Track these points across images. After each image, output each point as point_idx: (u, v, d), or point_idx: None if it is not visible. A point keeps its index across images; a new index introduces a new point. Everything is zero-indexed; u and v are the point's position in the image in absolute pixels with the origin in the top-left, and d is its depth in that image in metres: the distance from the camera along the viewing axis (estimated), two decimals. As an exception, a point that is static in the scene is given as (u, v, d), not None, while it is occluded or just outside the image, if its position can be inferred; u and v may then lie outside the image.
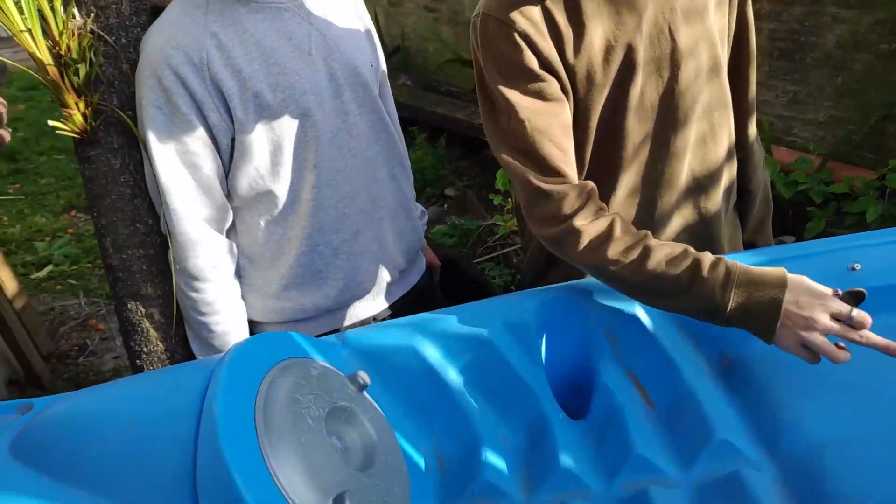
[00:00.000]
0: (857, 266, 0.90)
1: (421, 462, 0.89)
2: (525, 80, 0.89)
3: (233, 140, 1.05)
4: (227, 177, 1.09)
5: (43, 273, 3.29)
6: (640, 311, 0.90)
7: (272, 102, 1.04)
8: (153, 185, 1.05)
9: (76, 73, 0.91)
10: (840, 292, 0.80)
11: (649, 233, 0.89)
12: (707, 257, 0.84)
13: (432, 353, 0.90)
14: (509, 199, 2.82)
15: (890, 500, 0.67)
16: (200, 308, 1.10)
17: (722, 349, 0.93)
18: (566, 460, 0.84)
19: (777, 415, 0.83)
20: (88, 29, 0.92)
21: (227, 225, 1.12)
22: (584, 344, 0.93)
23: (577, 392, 0.93)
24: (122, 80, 1.01)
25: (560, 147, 0.90)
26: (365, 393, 0.86)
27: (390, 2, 5.66)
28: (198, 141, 1.03)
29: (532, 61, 0.88)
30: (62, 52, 0.89)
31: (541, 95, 0.89)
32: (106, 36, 0.97)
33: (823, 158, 2.45)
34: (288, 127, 1.06)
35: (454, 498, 0.85)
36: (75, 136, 0.97)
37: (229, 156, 1.07)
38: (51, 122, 0.94)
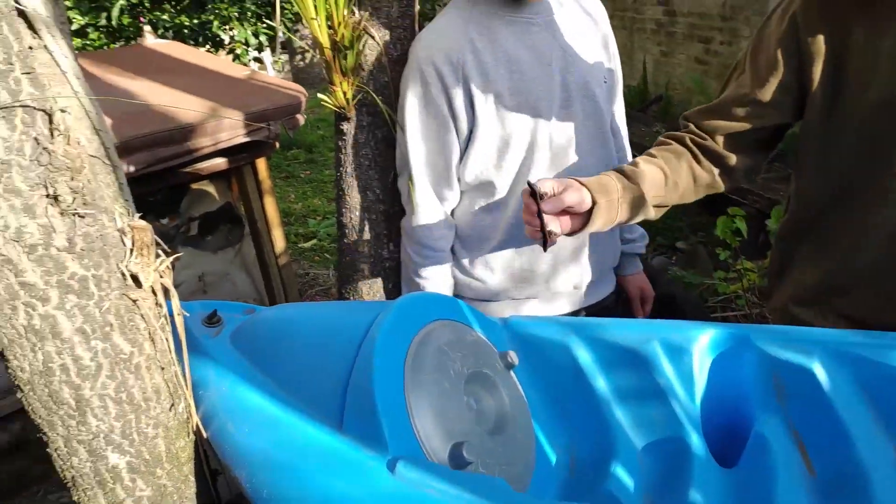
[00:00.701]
0: None
1: (553, 453, 0.91)
2: None
3: (470, 132, 1.19)
4: (459, 164, 1.24)
5: (308, 245, 3.86)
6: (818, 367, 0.82)
7: (509, 103, 1.17)
8: (401, 163, 1.24)
9: (345, 57, 1.10)
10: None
11: None
12: None
13: (585, 355, 0.92)
14: (735, 253, 2.62)
15: None
16: (420, 272, 1.26)
17: (915, 439, 0.81)
18: (693, 499, 0.81)
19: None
20: (362, 25, 1.11)
21: (454, 206, 1.26)
22: (748, 388, 0.87)
23: (729, 435, 0.88)
24: (380, 69, 1.20)
25: None
26: (511, 372, 0.91)
27: (662, 52, 5.62)
28: (444, 128, 1.19)
29: None
30: (337, 39, 1.09)
31: None
32: (374, 32, 1.17)
33: None
34: (518, 127, 1.19)
35: (578, 498, 0.86)
36: (336, 109, 1.18)
37: (465, 145, 1.22)
38: (319, 95, 1.16)
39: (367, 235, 1.27)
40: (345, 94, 1.15)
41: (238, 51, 6.19)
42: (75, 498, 0.80)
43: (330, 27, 1.10)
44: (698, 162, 1.08)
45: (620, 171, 1.06)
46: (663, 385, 0.88)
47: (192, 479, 0.87)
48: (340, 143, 1.25)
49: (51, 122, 0.72)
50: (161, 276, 0.80)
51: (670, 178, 1.07)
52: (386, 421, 0.72)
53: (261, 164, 2.65)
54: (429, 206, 1.23)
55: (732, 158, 1.06)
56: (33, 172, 0.69)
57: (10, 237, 0.68)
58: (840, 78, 0.95)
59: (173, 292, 0.83)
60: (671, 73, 5.46)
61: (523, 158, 1.21)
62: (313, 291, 3.37)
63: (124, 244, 0.78)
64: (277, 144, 2.52)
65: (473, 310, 0.95)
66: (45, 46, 0.80)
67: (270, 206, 2.69)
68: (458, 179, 1.25)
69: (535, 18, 1.20)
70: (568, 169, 1.23)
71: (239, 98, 2.31)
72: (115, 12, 5.34)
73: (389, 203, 1.27)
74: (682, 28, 5.26)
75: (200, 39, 5.94)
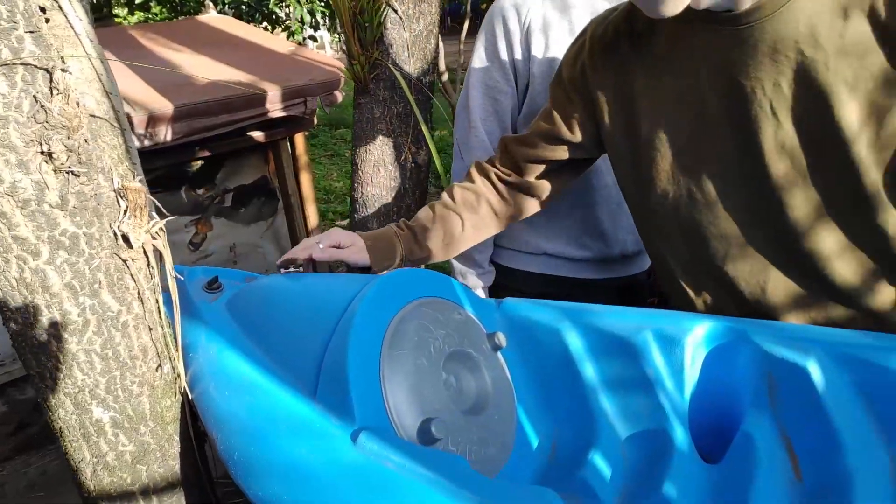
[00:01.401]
0: None
1: (534, 438, 0.90)
2: None
3: (527, 87, 1.24)
4: (518, 115, 1.30)
5: (344, 223, 3.90)
6: (814, 368, 0.78)
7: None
8: (462, 106, 1.29)
9: (365, 31, 1.10)
10: None
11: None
12: None
13: (576, 342, 0.90)
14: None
15: None
16: None
17: (916, 449, 0.77)
18: (675, 496, 0.79)
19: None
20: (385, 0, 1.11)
21: None
22: (741, 384, 0.84)
23: (716, 431, 0.85)
24: (402, 44, 1.19)
25: None
26: (499, 354, 0.90)
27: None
28: (502, 75, 1.25)
29: None
30: (357, 13, 1.09)
31: None
32: (397, 6, 1.16)
33: None
34: None
35: (554, 484, 0.85)
36: (355, 82, 1.18)
37: (522, 99, 1.27)
38: (339, 69, 1.17)
39: (375, 210, 1.27)
40: (362, 67, 1.15)
41: (293, 28, 6.27)
42: (63, 448, 0.83)
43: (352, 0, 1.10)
44: (502, 198, 1.16)
45: (411, 231, 1.15)
46: (652, 376, 0.85)
47: (177, 439, 0.89)
48: (357, 116, 1.25)
49: (51, 80, 0.74)
50: (154, 238, 0.82)
51: (457, 234, 1.15)
52: (356, 393, 0.72)
53: (298, 139, 2.68)
54: (481, 146, 1.28)
55: (541, 186, 1.13)
56: (29, 129, 0.71)
57: (5, 191, 0.71)
58: (628, 119, 0.98)
59: (167, 254, 0.85)
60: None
61: None
62: (342, 268, 3.41)
63: (119, 205, 0.80)
64: (315, 120, 2.54)
65: (467, 290, 0.94)
66: (60, 7, 0.82)
67: (306, 182, 2.73)
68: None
69: None
70: None
71: (278, 73, 2.35)
72: (175, -13, 5.47)
73: (399, 180, 1.27)
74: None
75: (257, 16, 6.04)
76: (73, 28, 0.83)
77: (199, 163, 2.30)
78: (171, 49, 2.50)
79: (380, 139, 1.25)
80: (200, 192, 2.32)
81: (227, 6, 5.85)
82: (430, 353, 0.80)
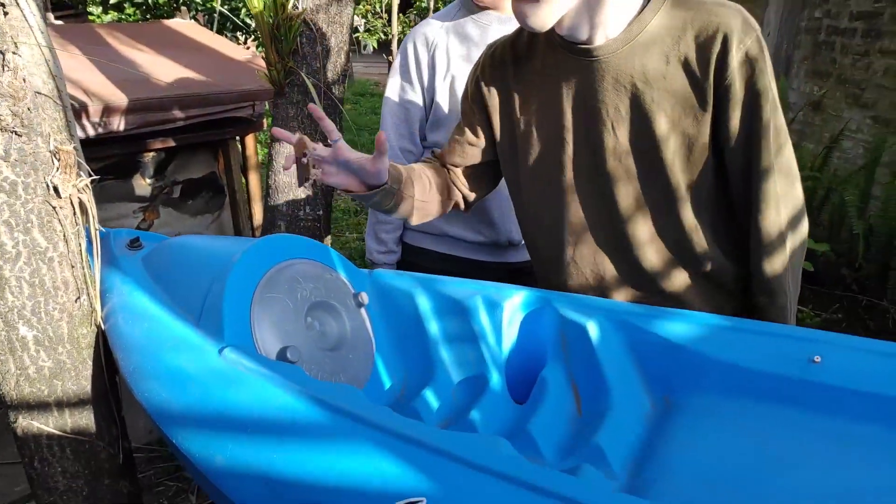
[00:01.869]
0: (818, 359, 0.90)
1: (388, 381, 1.11)
2: None
3: (433, 100, 1.48)
4: (426, 122, 1.52)
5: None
6: (593, 328, 1.01)
7: (459, 87, 1.45)
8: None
9: (282, 42, 1.32)
10: None
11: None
12: None
13: (425, 304, 1.11)
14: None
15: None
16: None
17: (668, 395, 1.00)
18: (486, 426, 1.00)
19: (664, 456, 0.89)
20: (301, 18, 1.32)
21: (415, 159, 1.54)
22: (544, 341, 1.06)
23: (529, 378, 1.07)
24: (314, 57, 1.41)
25: None
26: (363, 311, 1.11)
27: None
28: (412, 88, 1.48)
29: None
30: (276, 27, 1.30)
31: None
32: (312, 24, 1.38)
33: None
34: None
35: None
36: (271, 86, 1.39)
37: (427, 109, 1.51)
38: (257, 70, 1.38)
39: (286, 197, 1.48)
40: (278, 73, 1.36)
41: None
42: (-7, 360, 1.01)
43: (273, 17, 1.31)
44: (449, 186, 1.28)
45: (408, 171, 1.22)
46: (479, 332, 1.07)
47: (90, 363, 1.08)
48: (275, 115, 1.46)
49: (3, 59, 0.93)
50: (80, 192, 1.02)
51: (431, 193, 1.24)
52: (227, 321, 0.92)
53: (249, 140, 2.88)
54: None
55: (465, 186, 1.28)
56: (-17, 97, 0.91)
57: (-41, 143, 0.90)
58: (510, 125, 1.18)
59: (90, 207, 1.04)
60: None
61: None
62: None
63: (53, 162, 0.99)
64: (266, 124, 2.74)
65: (343, 258, 1.15)
66: (17, 4, 1.02)
67: (254, 181, 2.92)
68: (423, 139, 1.53)
69: (503, 17, 1.47)
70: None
71: (231, 77, 2.55)
72: (150, -10, 5.62)
73: (309, 171, 1.48)
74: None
75: (228, 24, 6.23)
76: (27, 21, 1.03)
77: (152, 154, 2.48)
78: (135, 49, 2.68)
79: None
80: (150, 181, 2.50)
81: (199, 13, 6.04)
82: (296, 299, 1.00)
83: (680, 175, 1.06)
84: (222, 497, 0.83)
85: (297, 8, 1.35)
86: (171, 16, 6.11)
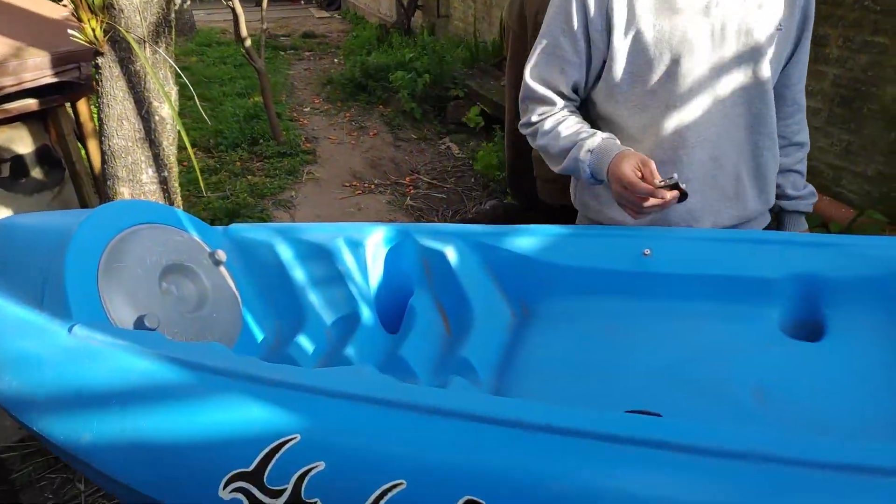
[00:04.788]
0: (648, 251, 1.00)
1: (260, 333, 1.11)
2: None
3: (603, 63, 1.13)
4: (585, 87, 1.18)
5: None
6: (452, 252, 1.06)
7: (649, 40, 1.08)
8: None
9: (93, -3, 1.21)
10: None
11: None
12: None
13: (287, 252, 1.11)
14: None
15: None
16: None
17: (525, 303, 1.07)
18: (362, 358, 1.03)
19: (526, 359, 0.97)
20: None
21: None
22: (409, 271, 1.10)
23: (401, 309, 1.11)
24: (133, 9, 1.31)
25: None
26: (222, 268, 1.09)
27: None
28: (572, 50, 1.13)
29: None
30: (84, -19, 1.20)
31: None
32: (128, -25, 1.28)
33: (856, 214, 2.37)
34: (655, 65, 1.09)
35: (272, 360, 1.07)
36: (89, 44, 1.28)
37: (597, 74, 1.16)
38: (69, 31, 1.26)
39: (124, 162, 1.40)
40: (94, 30, 1.26)
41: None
42: None
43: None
44: None
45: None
46: (344, 272, 1.09)
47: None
48: (98, 77, 1.35)
49: None
50: None
51: None
52: (73, 298, 0.88)
53: (82, 106, 2.63)
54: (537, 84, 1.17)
55: None
56: None
57: None
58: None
59: None
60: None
61: (656, 99, 1.11)
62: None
63: None
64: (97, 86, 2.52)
65: (193, 218, 1.12)
66: None
67: (94, 149, 2.70)
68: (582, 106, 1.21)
69: None
70: (706, 118, 1.11)
71: (47, 38, 2.30)
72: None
73: (145, 131, 1.40)
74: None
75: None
76: None
77: (-33, 133, 2.22)
78: (-77, 13, 2.35)
79: (120, 95, 1.36)
80: (-30, 162, 2.25)
81: (2, -33, 5.34)
82: (146, 265, 0.97)
83: None
84: (101, 475, 0.82)
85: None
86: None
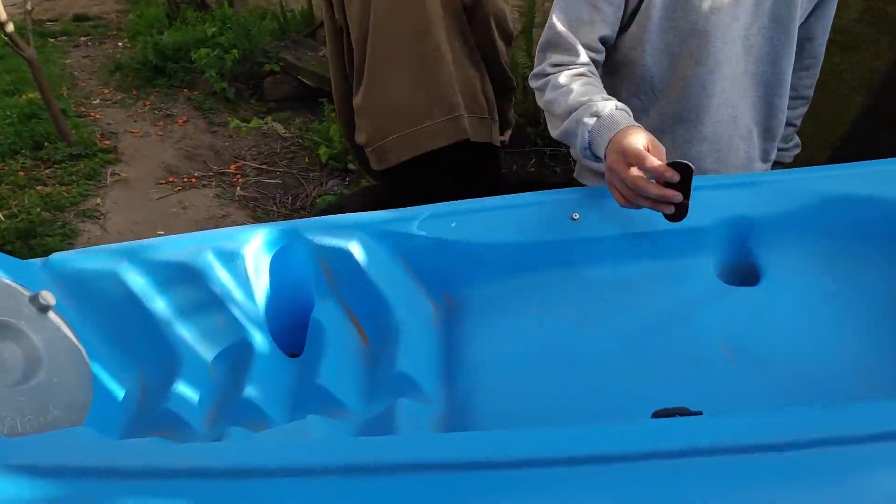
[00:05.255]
0: (577, 216, 0.91)
1: (120, 388, 0.85)
2: None
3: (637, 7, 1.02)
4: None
5: None
6: (356, 247, 0.88)
7: None
8: None
9: None
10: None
11: None
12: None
13: (138, 280, 0.86)
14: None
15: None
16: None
17: (449, 292, 0.93)
18: (262, 395, 0.82)
19: (468, 356, 0.83)
20: None
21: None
22: (305, 278, 0.91)
23: (301, 326, 0.91)
24: None
25: None
26: (51, 313, 0.82)
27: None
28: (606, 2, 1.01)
29: None
30: None
31: None
32: None
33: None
34: (691, 11, 1.00)
35: (147, 426, 0.82)
36: None
37: (626, 22, 1.04)
38: None
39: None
40: None
41: None
42: None
43: None
44: None
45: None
46: (221, 293, 0.86)
47: None
48: None
49: None
50: None
51: None
52: None
53: None
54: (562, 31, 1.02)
55: None
56: None
57: None
58: None
59: None
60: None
61: (687, 49, 1.03)
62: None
63: None
64: None
65: (1, 254, 0.82)
66: None
67: None
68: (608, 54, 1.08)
69: None
70: (733, 74, 1.06)
71: None
72: None
73: None
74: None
75: None
76: None
77: None
78: None
79: None
80: None
81: None
82: (-61, 332, 0.68)
83: None
84: None
85: None
86: None
